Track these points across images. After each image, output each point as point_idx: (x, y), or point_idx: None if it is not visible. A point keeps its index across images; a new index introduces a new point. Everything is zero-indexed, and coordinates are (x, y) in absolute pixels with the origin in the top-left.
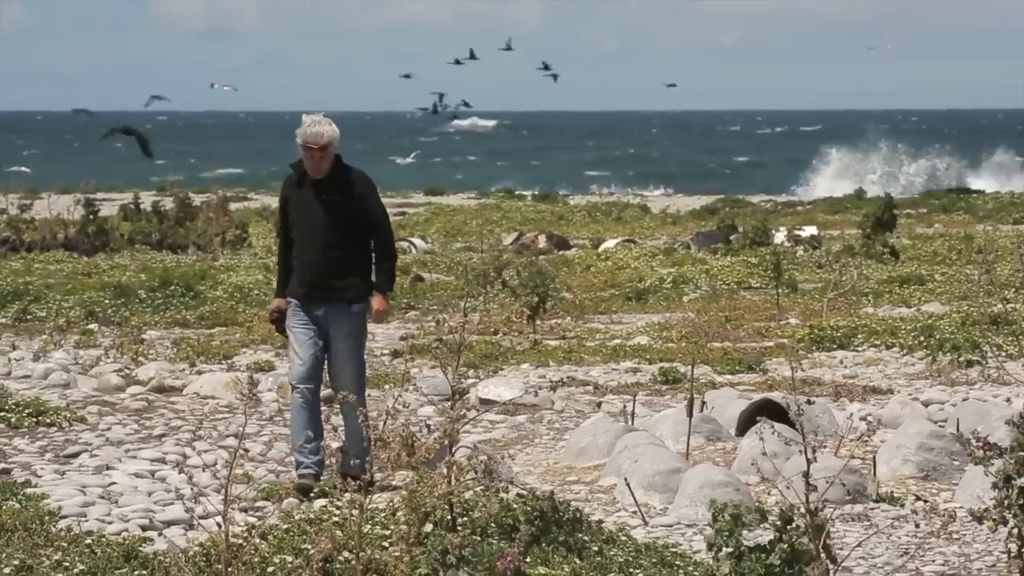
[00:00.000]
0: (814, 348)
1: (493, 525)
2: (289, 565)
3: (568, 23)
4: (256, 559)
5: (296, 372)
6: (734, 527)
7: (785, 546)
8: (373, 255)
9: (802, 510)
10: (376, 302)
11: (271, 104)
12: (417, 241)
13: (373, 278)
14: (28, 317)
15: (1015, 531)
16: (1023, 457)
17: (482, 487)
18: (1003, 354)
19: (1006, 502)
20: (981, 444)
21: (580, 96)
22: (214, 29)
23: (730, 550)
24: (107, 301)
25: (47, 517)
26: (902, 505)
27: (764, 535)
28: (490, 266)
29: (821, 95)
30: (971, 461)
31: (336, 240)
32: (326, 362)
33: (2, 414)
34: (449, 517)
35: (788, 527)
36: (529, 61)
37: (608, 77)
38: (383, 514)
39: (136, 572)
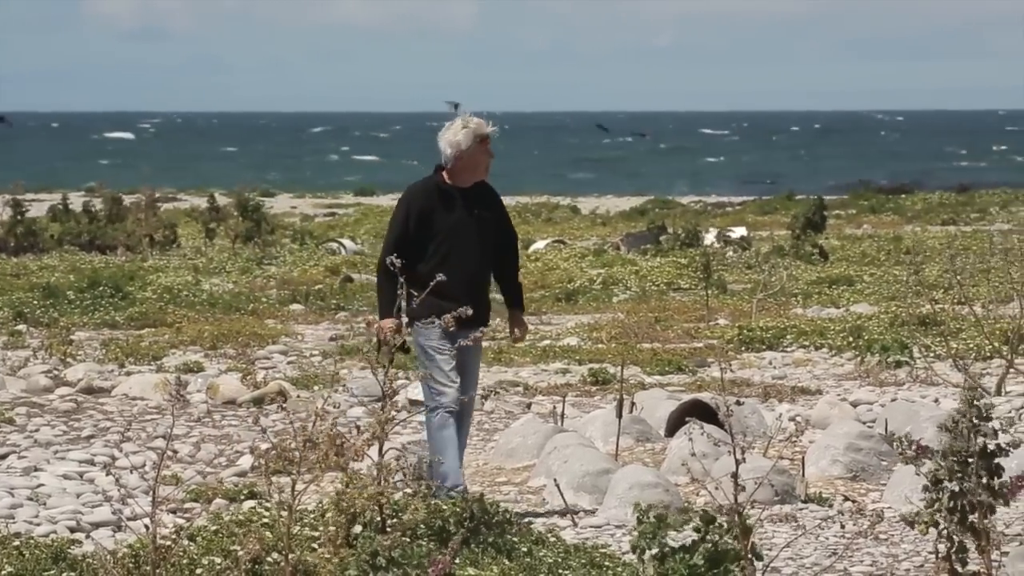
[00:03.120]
0: (743, 349)
1: (423, 527)
2: (217, 567)
3: (501, 23)
4: (184, 561)
5: (451, 395)
6: (658, 528)
7: (708, 546)
8: (494, 271)
9: (729, 510)
10: (522, 322)
11: (204, 105)
12: (347, 242)
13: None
14: None
15: (945, 533)
16: (954, 461)
17: (411, 489)
18: (931, 355)
19: (936, 505)
20: (914, 447)
21: (513, 97)
22: (146, 29)
23: (654, 551)
24: (36, 302)
25: None
26: (830, 505)
27: (690, 536)
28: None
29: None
30: (901, 461)
31: (485, 259)
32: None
33: None
34: (379, 519)
35: (710, 527)
36: (464, 61)
37: (541, 78)
38: (312, 515)
39: (64, 574)
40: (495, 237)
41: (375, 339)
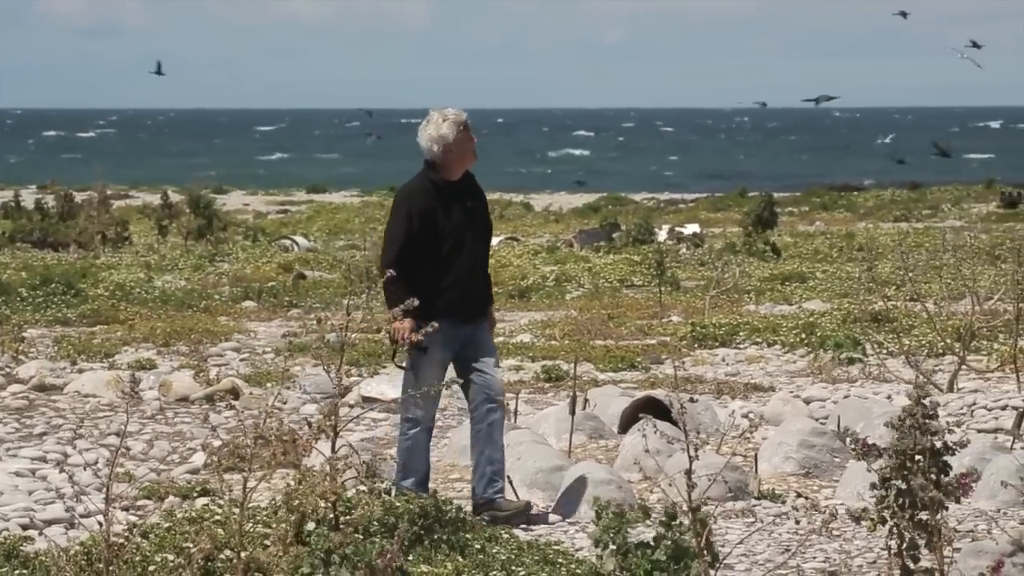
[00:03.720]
0: (696, 346)
1: (376, 524)
2: (170, 564)
3: (454, 20)
4: (137, 558)
5: (431, 412)
6: (620, 524)
7: (669, 543)
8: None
9: (685, 507)
10: (491, 316)
11: (158, 101)
12: (299, 239)
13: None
14: None
15: (896, 530)
16: (902, 459)
17: (364, 486)
18: (884, 351)
19: (885, 502)
20: (861, 446)
21: (466, 93)
22: (98, 26)
23: (615, 547)
24: None
25: None
26: (783, 502)
27: (645, 532)
28: (372, 264)
29: (712, 92)
30: (853, 457)
31: (483, 253)
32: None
33: None
34: (331, 516)
35: (673, 524)
36: (417, 57)
37: (493, 75)
38: (264, 513)
39: (17, 572)
40: (485, 227)
41: (389, 341)
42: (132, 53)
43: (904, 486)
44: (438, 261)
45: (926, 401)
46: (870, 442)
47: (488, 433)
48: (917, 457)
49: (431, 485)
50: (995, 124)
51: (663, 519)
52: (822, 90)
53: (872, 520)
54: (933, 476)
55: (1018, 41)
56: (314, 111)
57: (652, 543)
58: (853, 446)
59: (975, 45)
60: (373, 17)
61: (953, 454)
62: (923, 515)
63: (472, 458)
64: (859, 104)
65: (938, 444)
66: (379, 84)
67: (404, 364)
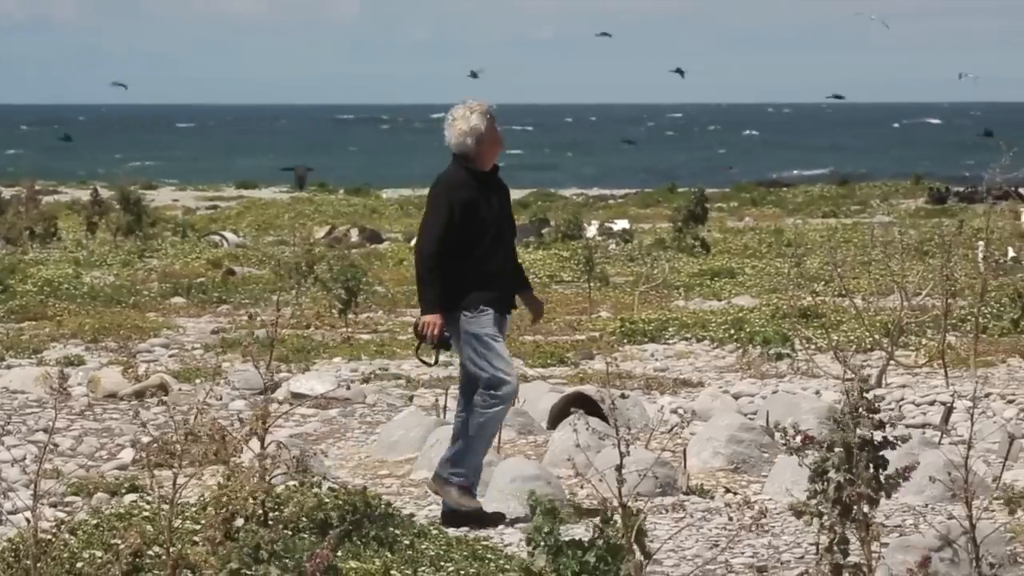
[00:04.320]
0: (625, 341)
1: (305, 520)
2: (98, 560)
3: (384, 14)
4: (65, 555)
5: (513, 385)
6: (552, 522)
7: (602, 542)
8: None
9: (615, 503)
10: (537, 301)
11: (91, 97)
12: (228, 235)
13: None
14: None
15: (827, 525)
16: (841, 453)
17: (294, 482)
18: (812, 347)
19: (820, 496)
20: (800, 437)
21: (397, 89)
22: (30, 20)
23: (548, 545)
24: None
25: None
26: (712, 497)
27: (576, 529)
28: (302, 260)
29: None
30: (784, 452)
31: (512, 244)
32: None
33: None
34: (261, 512)
35: (608, 523)
36: (347, 52)
37: (425, 70)
38: (194, 509)
39: None
40: (511, 220)
41: (416, 336)
42: (64, 48)
43: (843, 480)
44: (481, 252)
45: (868, 395)
46: (807, 434)
47: (481, 430)
48: (856, 451)
49: (360, 481)
50: (934, 121)
51: (600, 520)
52: (753, 86)
53: (811, 515)
54: (871, 470)
55: (954, 37)
56: (246, 107)
57: (584, 542)
58: (788, 439)
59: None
60: (303, 12)
61: (895, 447)
62: (864, 507)
63: (453, 440)
64: (791, 100)
65: (879, 438)
66: (309, 79)
67: (428, 360)
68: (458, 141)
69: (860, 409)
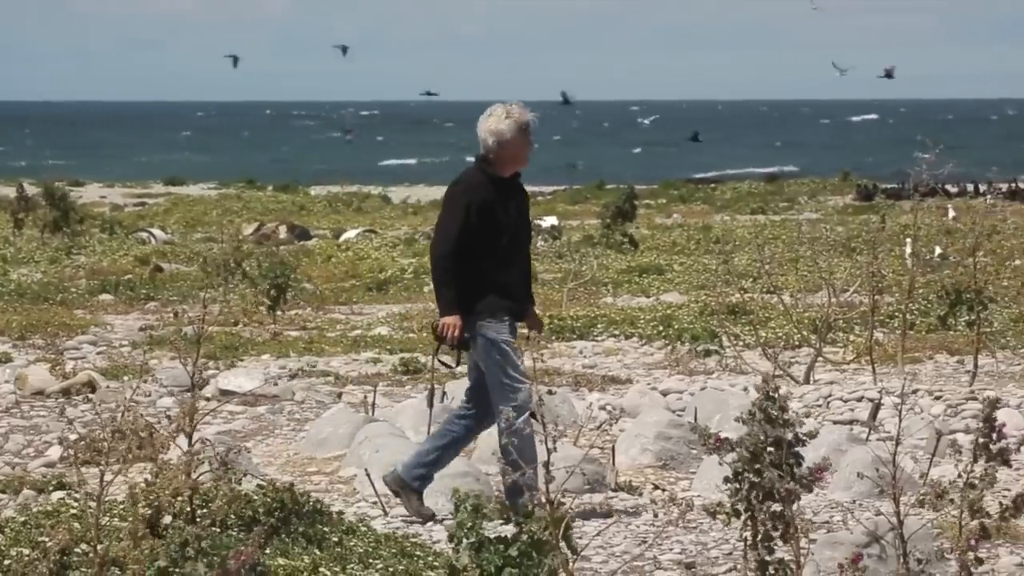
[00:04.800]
0: (554, 338)
1: (232, 517)
2: (26, 558)
3: (312, 11)
4: None
5: (527, 391)
6: (475, 518)
7: (525, 537)
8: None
9: (543, 500)
10: (537, 316)
11: (8, 94)
12: (156, 231)
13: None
14: None
15: (749, 521)
16: (752, 452)
17: (221, 478)
18: (740, 343)
19: (739, 495)
20: (714, 441)
21: (324, 86)
22: None
23: (471, 540)
24: None
25: None
26: (640, 494)
27: (504, 526)
28: (230, 257)
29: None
30: (705, 452)
31: (529, 248)
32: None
33: None
34: (188, 509)
35: (532, 518)
36: (276, 49)
37: (353, 67)
38: (121, 506)
39: None
40: (529, 227)
41: (435, 337)
42: None
43: (757, 479)
44: (496, 256)
45: (775, 394)
46: (723, 436)
47: (461, 440)
48: (769, 449)
49: (288, 478)
50: (870, 117)
51: (522, 516)
52: (685, 83)
53: (727, 514)
54: (787, 468)
55: (885, 34)
56: (172, 103)
57: (508, 538)
58: (705, 441)
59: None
60: (231, 9)
61: (804, 445)
62: (777, 507)
63: (429, 441)
64: (723, 97)
65: (789, 436)
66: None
67: (449, 362)
68: (483, 138)
69: (771, 408)
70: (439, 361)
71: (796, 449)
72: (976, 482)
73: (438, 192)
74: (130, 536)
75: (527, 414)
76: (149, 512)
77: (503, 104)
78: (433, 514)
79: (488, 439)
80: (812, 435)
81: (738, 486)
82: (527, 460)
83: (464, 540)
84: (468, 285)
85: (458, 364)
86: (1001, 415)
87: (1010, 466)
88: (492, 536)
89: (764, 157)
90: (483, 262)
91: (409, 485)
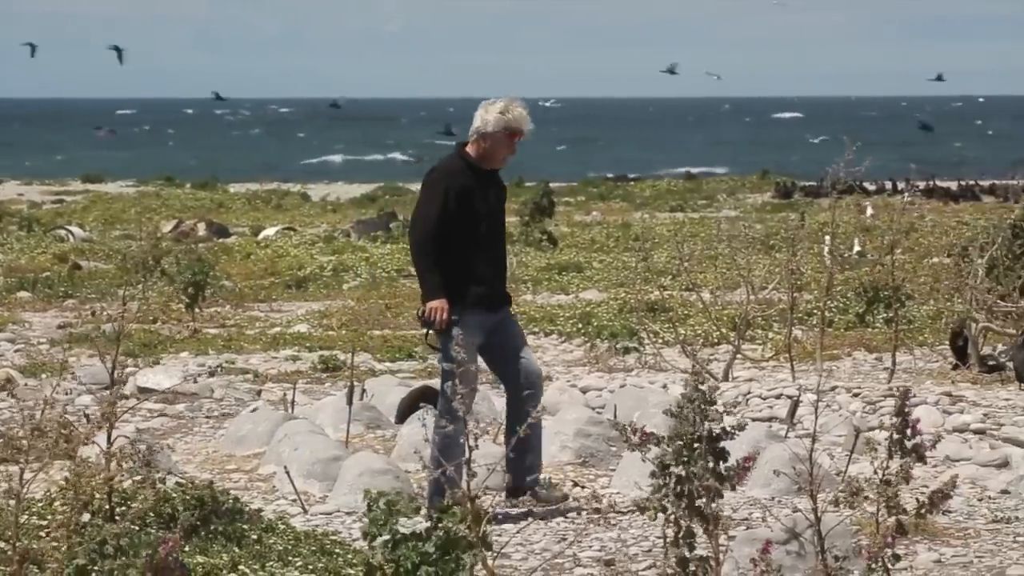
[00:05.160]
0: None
1: (151, 515)
2: None
3: (233, 8)
4: None
5: (466, 408)
6: (389, 515)
7: (440, 533)
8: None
9: (462, 497)
10: None
11: None
12: (75, 229)
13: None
14: None
15: (672, 518)
16: (680, 446)
17: (140, 476)
18: (660, 341)
19: (664, 490)
20: (639, 434)
21: (246, 83)
22: None
23: (386, 538)
24: None
25: None
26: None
27: (424, 522)
28: (149, 254)
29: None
30: (628, 448)
31: (504, 239)
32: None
33: None
34: (107, 507)
35: (444, 514)
36: (198, 47)
37: (274, 65)
38: (40, 504)
39: None
40: (503, 220)
41: (422, 323)
42: None
43: (683, 473)
44: (473, 244)
45: (703, 387)
46: (647, 431)
47: (526, 417)
48: (695, 444)
49: (208, 475)
50: (791, 115)
51: (435, 510)
52: (601, 81)
53: (654, 510)
54: (711, 463)
55: (806, 30)
56: (92, 101)
57: (423, 534)
58: (629, 436)
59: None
60: (152, 6)
61: (732, 438)
62: (700, 503)
63: (507, 443)
64: (641, 95)
65: (716, 430)
66: (157, 74)
67: (438, 345)
68: (473, 120)
69: (697, 402)
70: (429, 345)
71: (722, 444)
72: (892, 479)
73: (359, 190)
74: (57, 531)
75: (457, 421)
76: (68, 510)
77: (509, 100)
78: (566, 494)
79: (409, 437)
80: (741, 427)
81: (663, 481)
82: (450, 458)
83: (378, 537)
84: (445, 274)
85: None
86: (918, 412)
87: (925, 462)
88: (407, 533)
89: (685, 155)
90: (460, 250)
91: (530, 487)
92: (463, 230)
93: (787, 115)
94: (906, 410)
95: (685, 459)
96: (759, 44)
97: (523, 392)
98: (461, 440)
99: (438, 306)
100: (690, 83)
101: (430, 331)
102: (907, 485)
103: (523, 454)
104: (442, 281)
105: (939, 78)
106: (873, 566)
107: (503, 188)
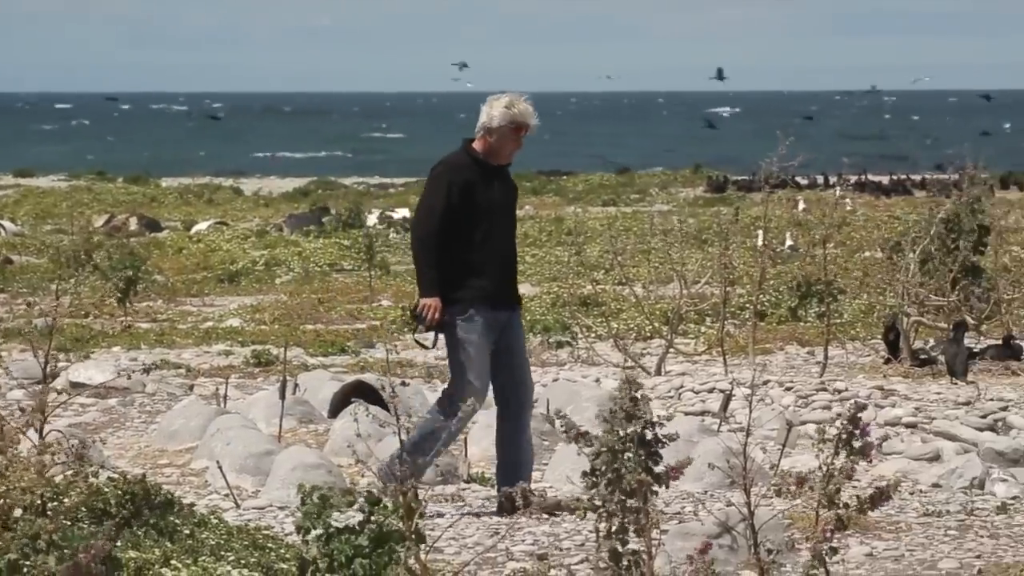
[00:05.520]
0: (406, 329)
1: (84, 509)
2: None
3: (164, 3)
4: None
5: (478, 387)
6: (322, 509)
7: (373, 527)
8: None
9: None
10: None
11: None
12: (6, 223)
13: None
14: None
15: (605, 514)
16: (613, 450)
17: (72, 471)
18: (593, 335)
19: (596, 488)
20: (574, 433)
21: (176, 78)
22: None
23: (319, 532)
24: None
25: None
26: (492, 485)
27: (357, 516)
28: (81, 248)
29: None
30: (564, 440)
31: (514, 237)
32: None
33: None
34: (39, 502)
35: (376, 508)
36: (125, 42)
37: (205, 59)
38: None
39: None
40: (514, 216)
41: (413, 318)
42: None
43: (615, 476)
44: (477, 239)
45: (637, 393)
46: (583, 429)
47: (518, 432)
48: (628, 446)
49: (140, 470)
50: (724, 109)
51: (365, 504)
52: (536, 76)
53: (584, 508)
54: (643, 465)
55: (740, 26)
56: (26, 95)
57: (356, 527)
58: (564, 430)
59: None
60: (84, 3)
61: (664, 446)
62: (633, 502)
63: (498, 455)
64: (574, 89)
65: (648, 436)
66: (86, 68)
67: (427, 343)
68: (479, 121)
69: (630, 407)
70: (416, 342)
71: (655, 449)
72: (835, 474)
73: (291, 184)
74: None
75: (462, 420)
76: (1, 505)
77: (515, 96)
78: (559, 501)
79: (342, 432)
80: (672, 438)
81: (595, 480)
82: (422, 450)
83: (312, 531)
84: (446, 269)
85: (435, 345)
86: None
87: (870, 462)
88: (341, 526)
89: (619, 149)
90: (462, 245)
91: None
92: (467, 226)
93: (722, 110)
94: (859, 417)
95: (617, 463)
96: (693, 39)
97: (512, 408)
98: (443, 435)
99: (431, 304)
100: (625, 79)
101: (419, 327)
102: (849, 482)
103: (516, 468)
104: (439, 279)
105: (719, 76)
106: (814, 559)
107: (513, 186)
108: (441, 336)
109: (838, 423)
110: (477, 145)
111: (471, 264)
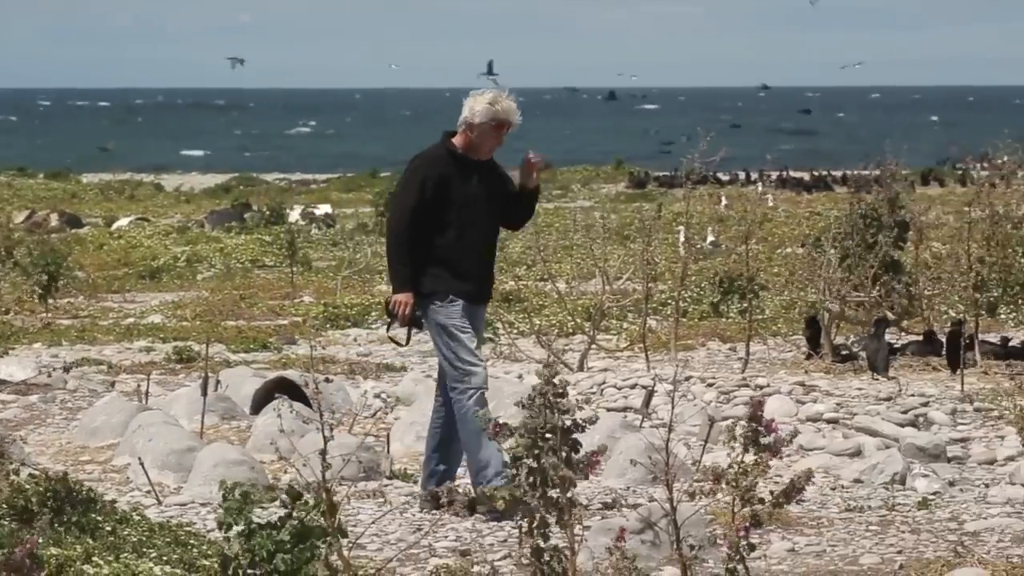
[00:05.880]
0: (328, 326)
1: (5, 506)
2: None
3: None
4: None
5: (481, 374)
6: (244, 505)
7: (295, 523)
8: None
9: (317, 487)
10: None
11: None
12: None
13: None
14: None
15: (527, 509)
16: (533, 438)
17: None
18: (515, 331)
19: (516, 481)
20: (492, 426)
21: (99, 74)
22: None
23: (241, 528)
24: None
25: None
26: (415, 482)
27: (279, 512)
28: (1, 245)
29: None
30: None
31: (494, 233)
32: None
33: None
34: None
35: (297, 503)
36: (50, 37)
37: (126, 55)
38: None
39: None
40: (502, 211)
41: (387, 314)
42: None
43: (535, 465)
44: (451, 234)
45: (556, 380)
46: (502, 421)
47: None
48: (548, 436)
49: (61, 467)
50: (648, 106)
51: (287, 500)
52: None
53: (504, 500)
54: (564, 454)
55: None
56: None
57: (278, 523)
58: (485, 427)
59: None
60: None
61: (583, 431)
62: (554, 493)
63: (437, 436)
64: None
65: (568, 423)
66: (5, 63)
67: (400, 340)
68: (461, 115)
69: (549, 394)
70: (390, 339)
71: (574, 436)
72: (748, 470)
73: (213, 180)
74: None
75: (481, 395)
76: None
77: (497, 92)
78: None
79: (265, 428)
80: (592, 421)
81: (516, 472)
82: (474, 447)
83: (233, 527)
84: (421, 263)
85: (408, 342)
86: (772, 402)
87: (780, 458)
88: (262, 522)
89: (544, 145)
90: (437, 240)
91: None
92: (440, 218)
93: (644, 106)
94: (759, 414)
95: (538, 451)
96: (614, 34)
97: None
98: (475, 424)
99: (403, 300)
100: (547, 74)
101: (392, 324)
102: (763, 478)
103: (457, 448)
104: (412, 275)
105: (489, 71)
106: (732, 555)
107: (503, 178)
108: (417, 333)
109: (741, 421)
110: (457, 140)
111: (447, 258)
